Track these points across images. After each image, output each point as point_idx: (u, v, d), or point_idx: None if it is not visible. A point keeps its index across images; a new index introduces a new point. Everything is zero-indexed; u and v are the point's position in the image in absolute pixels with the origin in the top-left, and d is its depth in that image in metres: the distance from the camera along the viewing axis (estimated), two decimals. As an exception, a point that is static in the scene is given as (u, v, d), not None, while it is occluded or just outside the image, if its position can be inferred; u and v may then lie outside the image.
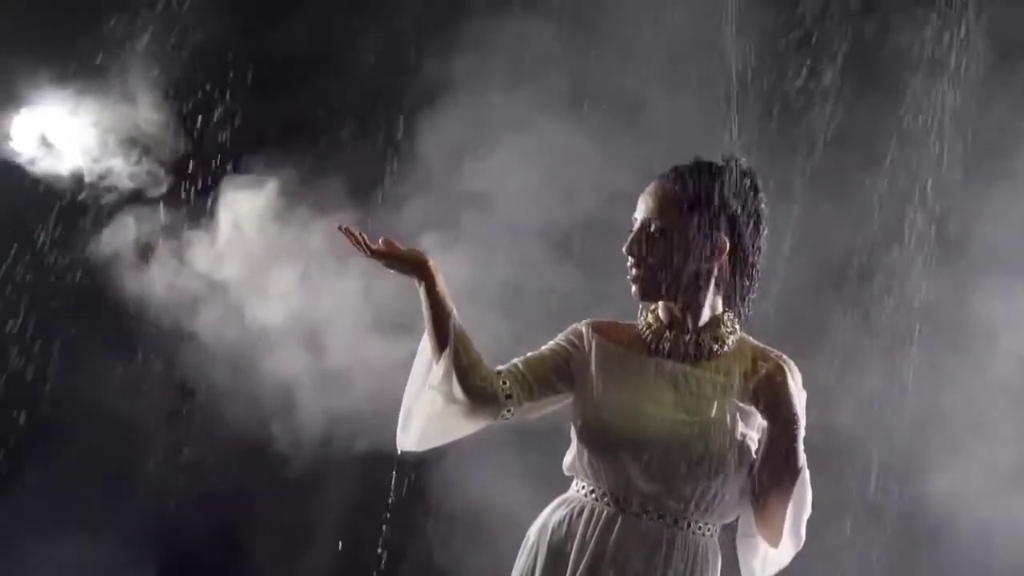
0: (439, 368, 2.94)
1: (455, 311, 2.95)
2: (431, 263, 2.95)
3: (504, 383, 2.95)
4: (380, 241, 2.96)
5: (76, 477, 4.83)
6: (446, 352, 2.92)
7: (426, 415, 2.97)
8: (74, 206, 4.43)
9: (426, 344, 2.98)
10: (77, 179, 4.38)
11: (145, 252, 4.36)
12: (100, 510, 4.87)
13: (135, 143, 4.42)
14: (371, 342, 4.27)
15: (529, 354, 3.02)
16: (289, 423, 4.53)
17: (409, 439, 3.02)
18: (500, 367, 3.00)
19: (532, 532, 3.01)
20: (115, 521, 4.90)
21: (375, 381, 4.21)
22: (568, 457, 3.01)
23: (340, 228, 2.98)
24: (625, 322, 3.04)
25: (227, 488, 4.90)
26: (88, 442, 4.86)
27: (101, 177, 4.38)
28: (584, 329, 3.03)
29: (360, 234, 2.96)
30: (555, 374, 2.99)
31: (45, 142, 4.33)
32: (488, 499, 4.58)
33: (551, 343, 3.04)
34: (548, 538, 2.95)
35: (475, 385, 2.93)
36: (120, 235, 4.39)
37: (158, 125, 4.48)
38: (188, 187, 4.45)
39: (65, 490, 4.82)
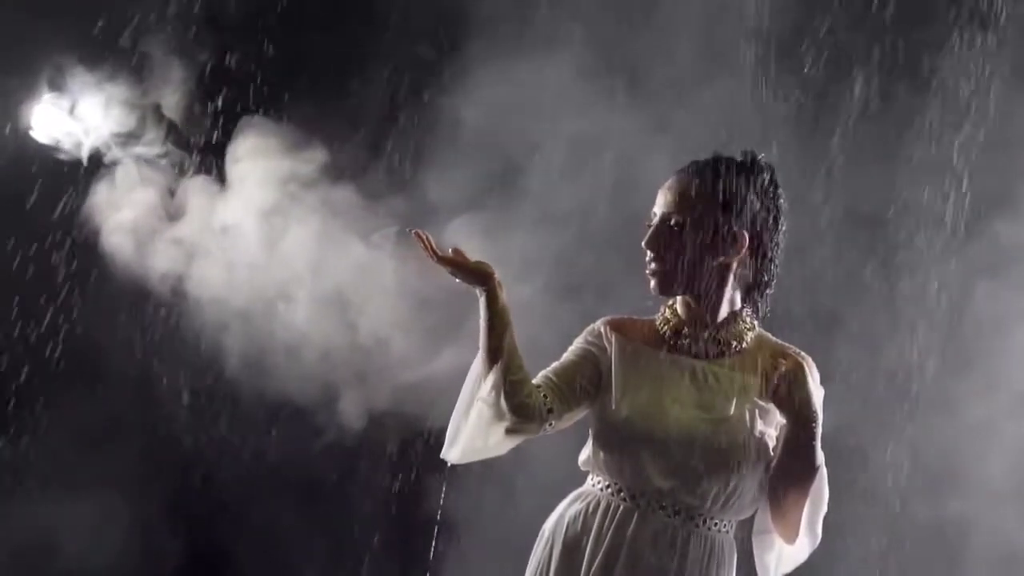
0: (488, 382, 2.92)
1: (512, 326, 2.93)
2: (496, 276, 2.93)
3: (545, 397, 2.94)
4: (450, 250, 2.94)
5: (92, 433, 4.85)
6: (497, 366, 2.90)
7: (472, 427, 2.96)
8: (98, 175, 4.42)
9: (478, 359, 2.96)
10: (101, 150, 4.38)
11: (164, 215, 4.36)
12: (114, 468, 4.89)
13: (160, 118, 4.42)
14: (394, 308, 4.27)
15: (556, 364, 3.00)
16: (317, 392, 4.52)
17: (454, 451, 3.00)
18: (535, 381, 2.98)
19: (547, 526, 3.01)
20: (131, 479, 4.94)
21: (407, 354, 4.22)
22: (584, 452, 3.01)
23: (410, 231, 2.97)
24: (641, 318, 3.03)
25: (245, 450, 4.92)
26: (109, 397, 4.89)
27: (124, 146, 4.38)
28: (602, 328, 3.02)
29: (427, 239, 2.95)
30: (588, 381, 2.97)
31: (69, 119, 4.33)
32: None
33: (574, 348, 3.03)
34: (563, 533, 2.95)
35: (521, 402, 2.91)
36: (137, 198, 4.38)
37: (181, 97, 4.47)
38: (212, 155, 4.44)
39: (79, 446, 4.84)
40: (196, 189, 4.37)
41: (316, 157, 4.34)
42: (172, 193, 4.37)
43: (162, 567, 5.03)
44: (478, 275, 2.92)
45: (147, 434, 4.96)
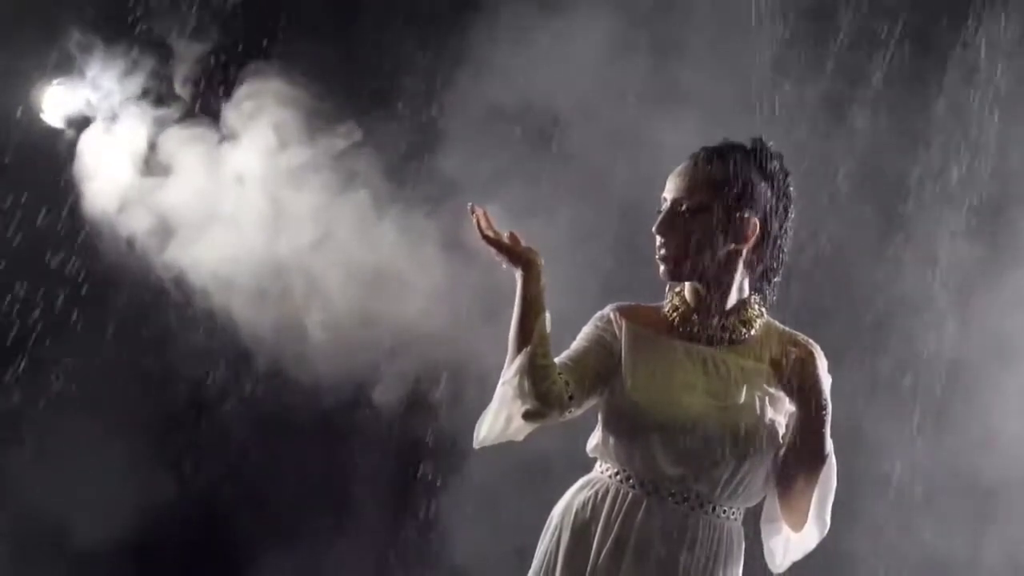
0: (514, 365, 2.91)
1: (546, 313, 2.92)
2: (540, 262, 2.92)
3: (567, 384, 2.93)
4: (507, 234, 2.94)
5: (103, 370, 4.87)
6: (526, 350, 2.89)
7: (495, 410, 2.97)
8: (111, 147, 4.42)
9: (509, 347, 2.95)
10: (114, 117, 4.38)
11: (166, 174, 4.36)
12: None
13: (175, 97, 4.41)
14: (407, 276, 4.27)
15: (571, 352, 2.99)
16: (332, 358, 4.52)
17: (478, 434, 3.01)
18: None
19: (555, 513, 3.01)
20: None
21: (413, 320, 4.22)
22: (593, 439, 3.00)
23: (469, 206, 2.96)
24: (649, 304, 3.03)
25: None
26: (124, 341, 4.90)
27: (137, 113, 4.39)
28: (612, 314, 3.01)
29: (484, 215, 2.94)
30: (603, 367, 2.96)
31: (83, 87, 4.34)
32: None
33: (586, 335, 3.01)
34: (572, 520, 2.95)
35: (547, 389, 2.90)
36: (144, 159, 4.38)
37: (194, 61, 4.46)
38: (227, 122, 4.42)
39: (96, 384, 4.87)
40: (206, 153, 4.37)
41: (344, 130, 4.33)
42: (154, 146, 4.36)
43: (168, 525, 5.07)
44: (522, 259, 2.92)
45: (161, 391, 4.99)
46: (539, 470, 3.82)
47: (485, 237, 2.93)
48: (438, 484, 4.73)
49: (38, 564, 4.92)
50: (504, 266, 2.94)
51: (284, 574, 5.03)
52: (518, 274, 2.92)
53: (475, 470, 4.65)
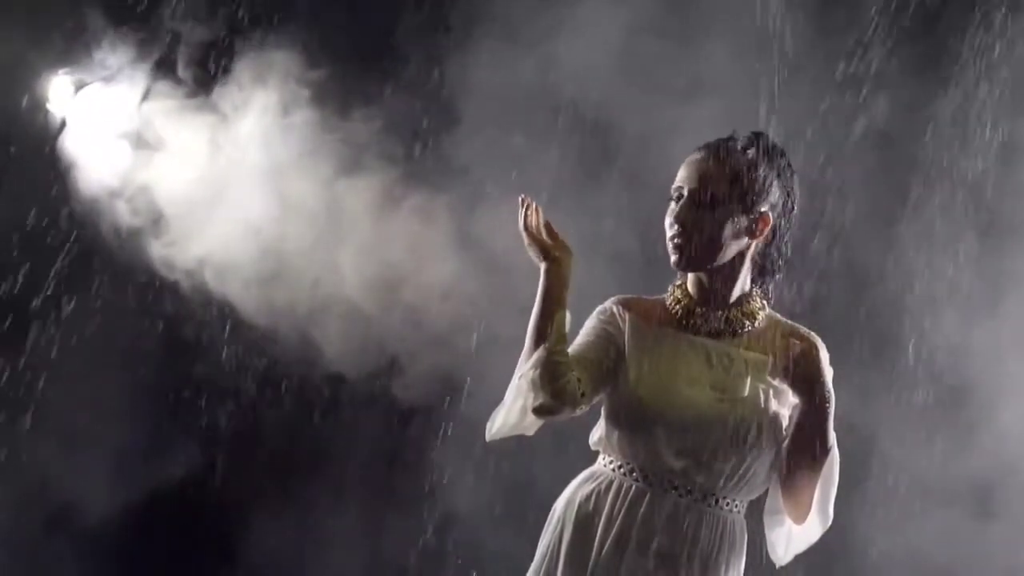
0: (532, 359, 2.90)
1: (566, 309, 2.91)
2: (565, 257, 2.91)
3: (579, 381, 2.92)
4: (544, 223, 2.93)
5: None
6: (544, 345, 2.89)
7: (508, 403, 2.96)
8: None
9: (527, 340, 2.94)
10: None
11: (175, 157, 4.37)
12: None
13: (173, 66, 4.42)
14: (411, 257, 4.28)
15: (577, 348, 2.97)
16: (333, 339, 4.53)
17: (491, 427, 3.00)
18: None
19: (558, 506, 3.01)
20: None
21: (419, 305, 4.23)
22: (596, 432, 3.00)
23: (521, 200, 2.95)
24: (651, 297, 3.03)
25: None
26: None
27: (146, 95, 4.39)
28: (615, 308, 3.00)
29: (534, 208, 2.93)
30: (611, 362, 2.96)
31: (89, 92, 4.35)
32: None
33: (591, 329, 3.00)
34: (575, 513, 2.95)
35: (561, 387, 2.89)
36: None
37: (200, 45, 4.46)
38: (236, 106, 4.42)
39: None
40: (209, 134, 4.37)
41: (359, 116, 4.33)
42: (158, 126, 4.37)
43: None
44: (550, 255, 2.91)
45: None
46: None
47: (524, 227, 2.93)
48: (439, 441, 4.74)
49: (39, 533, 4.95)
50: (534, 259, 2.93)
51: (285, 542, 5.07)
52: (543, 267, 2.92)
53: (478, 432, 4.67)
